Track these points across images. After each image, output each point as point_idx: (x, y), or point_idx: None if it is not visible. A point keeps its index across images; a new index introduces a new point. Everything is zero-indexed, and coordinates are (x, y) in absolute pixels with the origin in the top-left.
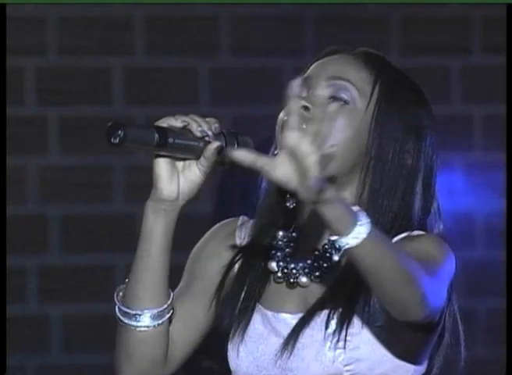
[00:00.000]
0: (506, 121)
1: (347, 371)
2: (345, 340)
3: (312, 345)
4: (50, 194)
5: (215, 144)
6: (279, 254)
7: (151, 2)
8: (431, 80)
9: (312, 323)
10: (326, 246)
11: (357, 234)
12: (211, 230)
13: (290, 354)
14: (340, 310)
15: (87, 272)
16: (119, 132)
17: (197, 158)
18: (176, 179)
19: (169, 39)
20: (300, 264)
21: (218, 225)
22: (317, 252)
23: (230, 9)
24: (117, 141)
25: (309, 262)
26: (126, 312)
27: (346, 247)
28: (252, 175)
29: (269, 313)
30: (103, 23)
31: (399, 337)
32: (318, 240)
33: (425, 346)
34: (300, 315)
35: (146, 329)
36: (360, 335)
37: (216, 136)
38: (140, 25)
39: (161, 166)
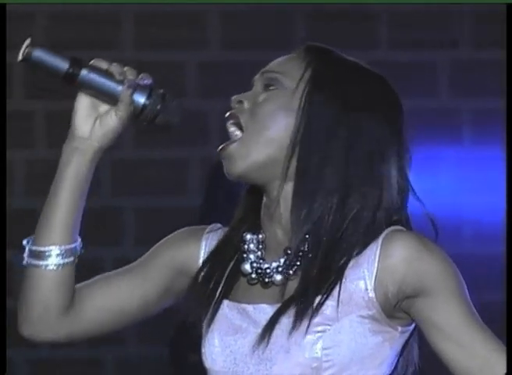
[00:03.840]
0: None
1: (325, 355)
2: (326, 324)
3: (291, 331)
4: None
5: (130, 88)
6: (251, 256)
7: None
8: (419, 74)
9: (290, 311)
10: (299, 244)
11: None
12: (181, 230)
13: (268, 343)
14: (319, 297)
15: None
16: (27, 49)
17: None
18: (93, 120)
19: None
20: (274, 263)
21: (189, 227)
22: (289, 251)
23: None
24: (21, 57)
25: (282, 260)
26: (32, 251)
27: None
28: None
29: (248, 306)
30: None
31: (380, 327)
32: (286, 237)
33: (402, 337)
34: (279, 305)
35: (51, 268)
36: (341, 321)
37: (141, 87)
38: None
39: (81, 102)
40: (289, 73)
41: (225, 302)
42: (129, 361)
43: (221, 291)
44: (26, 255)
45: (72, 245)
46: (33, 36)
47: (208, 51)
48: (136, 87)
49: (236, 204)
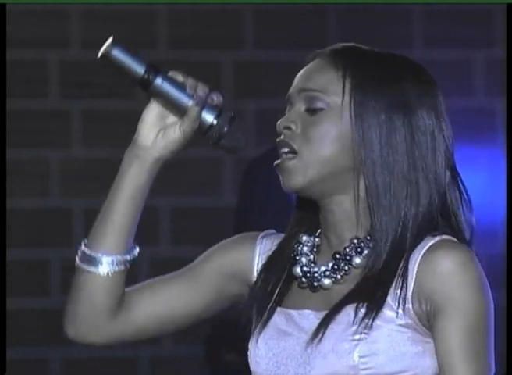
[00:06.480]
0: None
1: (363, 363)
2: (363, 332)
3: (331, 337)
4: None
5: (198, 105)
6: (303, 259)
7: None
8: (453, 73)
9: (337, 318)
10: (347, 249)
11: None
12: (235, 236)
13: (315, 349)
14: (364, 305)
15: None
16: (107, 47)
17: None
18: (158, 130)
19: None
20: (322, 267)
21: (244, 233)
22: (338, 255)
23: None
24: (100, 54)
25: (330, 264)
26: (84, 254)
27: None
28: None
29: (293, 312)
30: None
31: (420, 337)
32: (339, 243)
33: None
34: (325, 312)
35: (101, 274)
36: (380, 330)
37: (211, 105)
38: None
39: (150, 111)
40: (328, 89)
41: (278, 309)
42: (166, 360)
43: (275, 299)
44: (78, 255)
45: (125, 256)
46: (114, 35)
47: (243, 51)
48: (205, 104)
49: (270, 204)
